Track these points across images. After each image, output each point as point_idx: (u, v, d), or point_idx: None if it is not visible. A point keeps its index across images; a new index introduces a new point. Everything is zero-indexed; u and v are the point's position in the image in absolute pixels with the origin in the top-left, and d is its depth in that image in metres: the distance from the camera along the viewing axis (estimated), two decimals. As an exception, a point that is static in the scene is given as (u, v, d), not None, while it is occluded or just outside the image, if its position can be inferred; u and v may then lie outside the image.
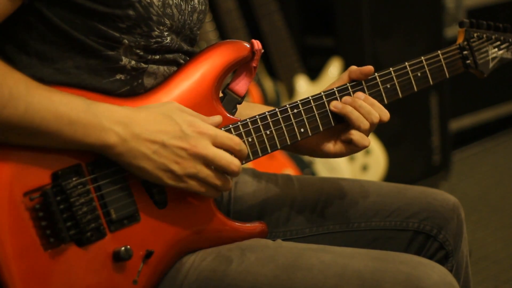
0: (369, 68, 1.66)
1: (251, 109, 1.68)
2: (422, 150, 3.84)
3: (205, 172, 1.46)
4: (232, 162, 1.47)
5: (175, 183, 1.45)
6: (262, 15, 3.52)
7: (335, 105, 1.63)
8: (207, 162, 1.46)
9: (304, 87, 3.53)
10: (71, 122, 1.39)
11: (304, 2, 4.00)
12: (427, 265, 1.47)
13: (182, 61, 1.58)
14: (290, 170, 3.27)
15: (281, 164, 3.29)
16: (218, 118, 1.52)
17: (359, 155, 3.50)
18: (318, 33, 3.99)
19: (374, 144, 3.50)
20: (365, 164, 3.51)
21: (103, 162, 1.44)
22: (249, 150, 1.55)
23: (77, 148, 1.41)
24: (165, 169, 1.44)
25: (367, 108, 1.63)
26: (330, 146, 1.67)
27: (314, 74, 3.64)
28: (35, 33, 1.46)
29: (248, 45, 1.58)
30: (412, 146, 3.78)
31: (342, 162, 3.44)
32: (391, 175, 3.55)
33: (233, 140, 1.49)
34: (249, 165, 2.93)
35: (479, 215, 3.60)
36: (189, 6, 1.57)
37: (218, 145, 1.47)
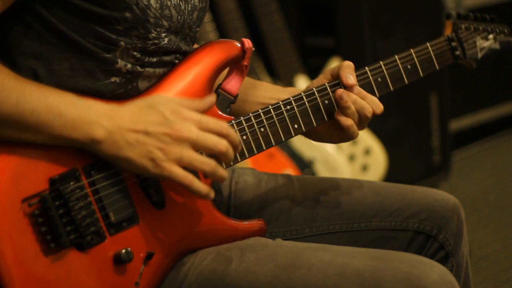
0: (351, 84, 1.65)
1: (264, 90, 1.70)
2: (422, 150, 3.84)
3: (190, 156, 1.42)
4: (219, 142, 1.44)
5: (160, 172, 1.42)
6: (262, 15, 3.51)
7: (341, 96, 1.62)
8: (193, 145, 1.43)
9: (304, 87, 3.53)
10: (61, 114, 1.38)
11: (304, 2, 4.00)
12: (427, 264, 1.47)
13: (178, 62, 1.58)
14: (290, 170, 3.27)
15: (281, 164, 3.29)
16: (211, 98, 1.49)
17: (359, 155, 3.50)
18: (318, 33, 3.99)
19: (374, 144, 3.50)
20: (365, 164, 3.51)
21: (100, 165, 1.44)
22: (244, 148, 1.55)
23: (67, 144, 1.41)
24: (149, 157, 1.41)
25: (361, 104, 1.63)
26: (323, 131, 1.67)
27: (314, 74, 3.63)
28: (32, 33, 1.46)
29: (238, 44, 1.59)
30: (412, 146, 3.78)
31: (342, 162, 3.44)
32: (391, 175, 3.55)
33: (219, 124, 1.45)
34: (249, 164, 2.94)
35: (479, 215, 3.60)
36: (189, 5, 1.57)
37: (205, 130, 1.44)
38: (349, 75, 1.64)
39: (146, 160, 1.42)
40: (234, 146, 1.47)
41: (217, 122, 1.45)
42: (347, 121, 1.63)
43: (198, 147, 1.43)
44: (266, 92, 1.72)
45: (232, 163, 1.53)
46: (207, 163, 1.44)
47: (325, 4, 3.87)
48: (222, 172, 1.46)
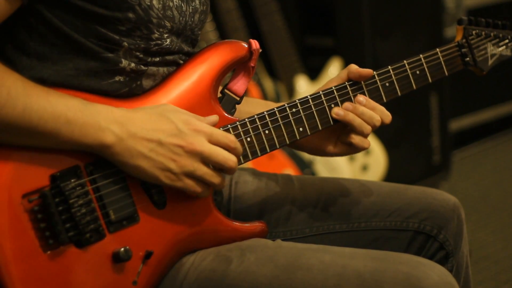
0: (368, 71, 1.65)
1: (253, 106, 1.69)
2: (422, 150, 3.84)
3: (202, 169, 1.46)
4: (230, 158, 1.47)
5: (172, 182, 1.45)
6: (262, 15, 3.52)
7: (337, 113, 1.62)
8: (204, 159, 1.46)
9: (304, 87, 3.53)
10: (68, 121, 1.39)
11: (304, 2, 4.00)
12: (427, 265, 1.47)
13: (182, 61, 1.58)
14: (290, 170, 3.27)
15: (281, 164, 3.29)
16: (214, 118, 1.51)
17: (359, 155, 3.50)
18: (318, 33, 3.99)
19: (374, 144, 3.50)
20: (365, 164, 3.51)
21: (102, 163, 1.44)
22: (248, 149, 1.55)
23: (75, 148, 1.41)
24: (162, 167, 1.43)
25: (369, 114, 1.63)
26: (330, 147, 1.67)
27: (314, 74, 3.64)
28: (36, 34, 1.46)
29: (246, 45, 1.58)
30: (412, 146, 3.78)
31: (342, 162, 3.44)
32: (391, 175, 3.55)
33: (228, 138, 1.48)
34: (249, 165, 2.94)
35: (479, 215, 3.60)
36: (190, 7, 1.57)
37: (214, 143, 1.47)
38: (361, 69, 1.64)
39: (158, 170, 1.44)
40: (238, 157, 1.51)
41: (226, 136, 1.48)
42: (353, 139, 1.63)
43: (208, 161, 1.46)
44: (247, 107, 1.69)
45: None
46: (216, 176, 1.48)
47: (325, 4, 3.88)
48: (225, 182, 1.51)
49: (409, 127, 3.75)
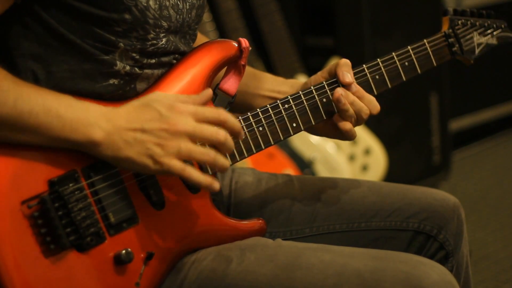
0: (349, 82, 1.65)
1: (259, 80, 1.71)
2: (422, 150, 3.84)
3: (188, 147, 1.41)
4: (217, 132, 1.43)
5: (160, 168, 1.41)
6: (262, 15, 3.52)
7: (338, 98, 1.62)
8: (191, 138, 1.42)
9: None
10: (59, 115, 1.38)
11: (304, 2, 4.00)
12: (427, 265, 1.47)
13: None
14: (290, 170, 3.27)
15: (281, 164, 3.29)
16: (207, 92, 1.49)
17: (359, 155, 3.50)
18: (318, 33, 3.99)
19: (374, 144, 3.50)
20: (365, 164, 3.51)
21: (99, 167, 1.44)
22: (243, 147, 1.55)
23: (66, 146, 1.41)
24: (149, 153, 1.41)
25: (359, 106, 1.63)
26: (319, 126, 1.67)
27: (314, 74, 3.62)
28: (31, 34, 1.46)
29: (235, 44, 1.59)
30: (412, 146, 3.78)
31: (342, 162, 3.44)
32: (391, 175, 3.55)
33: (216, 111, 1.45)
34: (249, 165, 2.94)
35: (479, 215, 3.60)
36: (187, 4, 1.57)
37: (202, 121, 1.43)
38: (346, 73, 1.64)
39: (146, 157, 1.41)
40: (235, 132, 1.47)
41: (213, 110, 1.45)
42: (345, 126, 1.63)
43: (196, 139, 1.43)
44: (267, 84, 1.73)
45: (231, 163, 1.53)
46: (206, 153, 1.43)
47: (325, 4, 3.88)
48: (223, 161, 1.44)
49: (409, 127, 3.75)
